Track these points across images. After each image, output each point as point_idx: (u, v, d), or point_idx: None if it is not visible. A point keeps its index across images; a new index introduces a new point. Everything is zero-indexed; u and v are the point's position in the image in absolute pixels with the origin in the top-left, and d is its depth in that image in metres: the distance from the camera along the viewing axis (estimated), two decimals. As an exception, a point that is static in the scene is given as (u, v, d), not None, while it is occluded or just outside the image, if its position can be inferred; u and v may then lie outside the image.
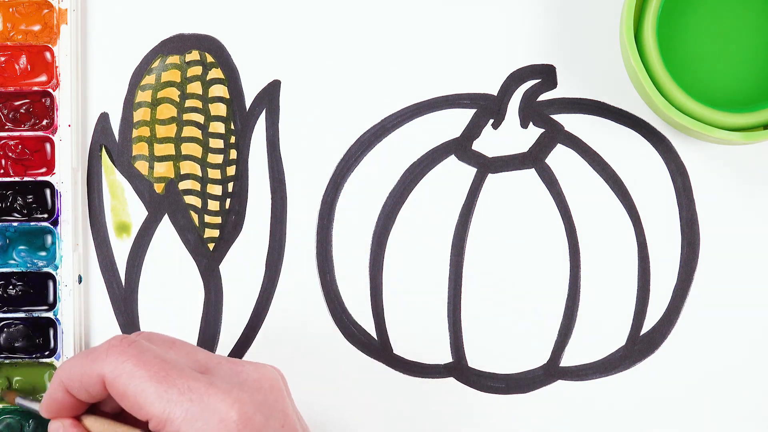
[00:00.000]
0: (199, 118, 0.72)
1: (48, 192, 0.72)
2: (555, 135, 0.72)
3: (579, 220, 0.72)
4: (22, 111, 0.72)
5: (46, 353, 0.71)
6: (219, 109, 0.72)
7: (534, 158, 0.72)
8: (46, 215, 0.72)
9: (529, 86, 0.72)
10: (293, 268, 0.72)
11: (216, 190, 0.72)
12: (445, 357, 0.72)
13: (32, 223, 0.71)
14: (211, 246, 0.72)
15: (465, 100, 0.73)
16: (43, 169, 0.72)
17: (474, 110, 0.73)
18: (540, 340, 0.72)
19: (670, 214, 0.72)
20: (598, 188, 0.72)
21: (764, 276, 0.72)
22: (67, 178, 0.71)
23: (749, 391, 0.72)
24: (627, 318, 0.72)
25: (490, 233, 0.72)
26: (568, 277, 0.72)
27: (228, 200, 0.73)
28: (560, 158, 0.72)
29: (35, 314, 0.71)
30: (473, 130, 0.73)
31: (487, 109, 0.73)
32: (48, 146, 0.71)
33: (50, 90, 0.71)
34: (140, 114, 0.73)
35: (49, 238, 0.71)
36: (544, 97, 0.73)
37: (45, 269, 0.71)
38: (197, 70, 0.73)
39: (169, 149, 0.72)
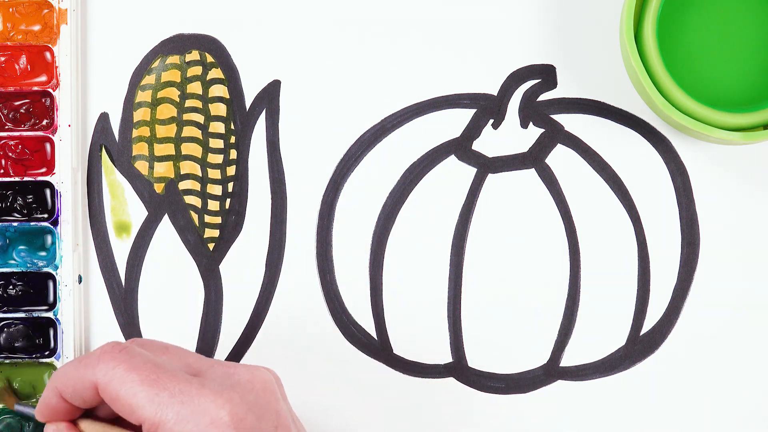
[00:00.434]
0: (199, 118, 0.72)
1: (48, 192, 0.72)
2: (555, 135, 0.72)
3: (579, 220, 0.72)
4: (22, 111, 0.72)
5: (46, 353, 0.71)
6: (219, 109, 0.72)
7: (534, 158, 0.72)
8: (46, 215, 0.71)
9: (529, 86, 0.72)
10: (293, 268, 0.72)
11: (216, 190, 0.72)
12: (445, 357, 0.72)
13: (32, 223, 0.71)
14: (211, 246, 0.72)
15: (465, 100, 0.73)
16: (43, 169, 0.72)
17: (474, 110, 0.73)
18: (540, 340, 0.72)
19: (670, 214, 0.72)
20: (598, 188, 0.72)
21: (764, 276, 0.72)
22: (67, 178, 0.71)
23: (749, 391, 0.72)
24: (627, 318, 0.72)
25: (490, 233, 0.72)
26: (568, 277, 0.72)
27: (228, 200, 0.73)
28: (560, 158, 0.72)
29: (35, 314, 0.71)
30: (473, 130, 0.73)
31: (487, 109, 0.73)
32: (48, 146, 0.71)
33: (50, 90, 0.71)
34: (140, 114, 0.73)
35: (49, 238, 0.71)
36: (544, 97, 0.73)
37: (45, 269, 0.71)
38: (197, 70, 0.73)
39: (169, 149, 0.72)
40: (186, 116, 0.72)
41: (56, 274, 0.71)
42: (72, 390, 0.61)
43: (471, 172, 0.73)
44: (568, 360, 0.72)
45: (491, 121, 0.73)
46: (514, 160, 0.73)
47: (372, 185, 0.72)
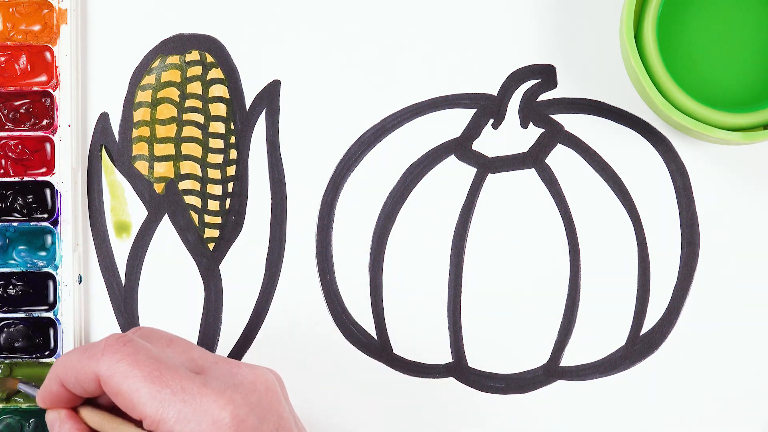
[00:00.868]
0: (199, 118, 0.72)
1: (48, 192, 0.72)
2: (555, 135, 0.72)
3: (579, 220, 0.72)
4: (22, 111, 0.72)
5: (46, 353, 0.71)
6: (219, 109, 0.72)
7: (534, 158, 0.72)
8: (46, 215, 0.71)
9: (529, 86, 0.72)
10: (293, 268, 0.72)
11: (216, 190, 0.72)
12: (445, 357, 0.72)
13: (32, 223, 0.71)
14: (211, 246, 0.72)
15: (465, 100, 0.73)
16: (43, 169, 0.72)
17: (474, 110, 0.73)
18: (540, 340, 0.72)
19: (670, 214, 0.72)
20: (598, 188, 0.72)
21: (764, 276, 0.72)
22: (67, 178, 0.71)
23: (749, 391, 0.72)
24: (627, 318, 0.72)
25: (490, 233, 0.72)
26: (568, 277, 0.72)
27: (228, 200, 0.73)
28: (560, 158, 0.72)
29: (35, 314, 0.71)
30: (473, 130, 0.73)
31: (487, 109, 0.73)
32: (48, 146, 0.71)
33: (50, 90, 0.71)
34: (140, 114, 0.73)
35: (49, 238, 0.71)
36: (544, 97, 0.73)
37: (45, 269, 0.71)
38: (197, 70, 0.73)
39: (169, 149, 0.72)
40: (186, 116, 0.72)
41: (56, 274, 0.71)
42: (74, 380, 0.61)
43: (471, 172, 0.72)
44: (568, 360, 0.72)
45: (491, 121, 0.73)
46: (514, 160, 0.73)
47: (372, 185, 0.72)
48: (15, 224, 0.71)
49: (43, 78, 0.72)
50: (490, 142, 0.73)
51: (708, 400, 0.72)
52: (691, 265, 0.72)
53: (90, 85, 0.73)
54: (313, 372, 0.72)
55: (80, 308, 0.71)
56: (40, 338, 0.71)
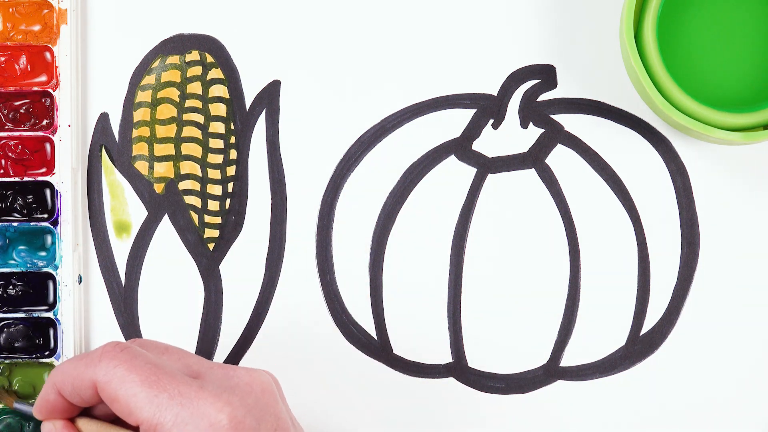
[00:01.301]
0: (199, 118, 0.72)
1: (48, 192, 0.72)
2: (555, 135, 0.73)
3: (579, 220, 0.72)
4: (22, 111, 0.72)
5: (46, 353, 0.71)
6: (219, 109, 0.72)
7: (534, 158, 0.72)
8: (46, 215, 0.71)
9: (529, 86, 0.72)
10: (293, 268, 0.72)
11: (216, 190, 0.72)
12: (445, 357, 0.72)
13: (32, 223, 0.71)
14: (211, 246, 0.72)
15: (465, 100, 0.73)
16: (43, 169, 0.72)
17: (474, 110, 0.73)
18: (540, 340, 0.72)
19: (670, 214, 0.72)
20: (598, 188, 0.72)
21: (764, 276, 0.72)
22: (67, 178, 0.71)
23: (749, 391, 0.72)
24: (627, 318, 0.72)
25: (490, 233, 0.72)
26: (568, 277, 0.72)
27: (228, 200, 0.73)
28: (560, 158, 0.72)
29: (35, 314, 0.71)
30: (473, 130, 0.73)
31: (487, 109, 0.73)
32: (48, 146, 0.71)
33: (50, 90, 0.71)
34: (140, 114, 0.73)
35: (49, 238, 0.71)
36: (544, 97, 0.73)
37: (45, 269, 0.71)
38: (197, 70, 0.73)
39: (169, 149, 0.72)
40: (186, 116, 0.72)
41: (56, 274, 0.71)
42: (71, 388, 0.61)
43: (471, 172, 0.72)
44: (568, 360, 0.72)
45: (491, 121, 0.73)
46: (514, 160, 0.73)
47: (372, 185, 0.72)
48: (15, 224, 0.71)
49: (43, 78, 0.72)
50: (490, 142, 0.73)
51: (708, 400, 0.72)
52: (691, 265, 0.72)
53: (90, 85, 0.73)
54: (313, 372, 0.72)
55: (80, 308, 0.71)
56: (40, 338, 0.71)
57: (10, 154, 0.71)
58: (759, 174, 0.72)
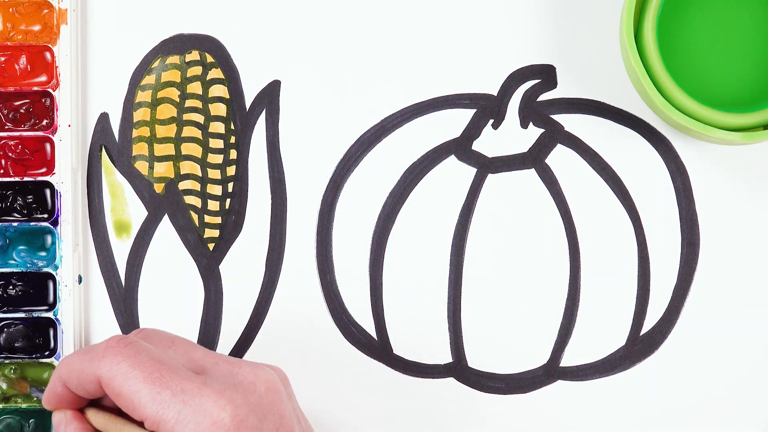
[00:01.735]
0: (199, 118, 0.72)
1: (48, 192, 0.72)
2: (555, 135, 0.72)
3: (579, 220, 0.72)
4: (22, 111, 0.72)
5: (46, 353, 0.71)
6: (219, 109, 0.72)
7: (534, 158, 0.72)
8: (46, 215, 0.71)
9: (529, 86, 0.72)
10: (293, 268, 0.72)
11: (216, 190, 0.72)
12: (445, 357, 0.72)
13: (32, 223, 0.71)
14: (211, 246, 0.72)
15: (465, 100, 0.73)
16: (43, 169, 0.72)
17: (474, 110, 0.73)
18: (540, 340, 0.72)
19: (670, 214, 0.72)
20: (598, 188, 0.72)
21: (764, 276, 0.72)
22: (67, 178, 0.71)
23: (749, 391, 0.72)
24: (627, 318, 0.72)
25: (490, 233, 0.72)
26: (568, 277, 0.72)
27: (228, 200, 0.73)
28: (560, 158, 0.72)
29: (35, 314, 0.71)
30: (473, 130, 0.73)
31: (487, 109, 0.73)
32: (48, 146, 0.71)
33: (50, 90, 0.71)
34: (140, 114, 0.73)
35: (49, 238, 0.71)
36: (544, 97, 0.73)
37: (45, 269, 0.71)
38: (197, 70, 0.73)
39: (169, 149, 0.72)
40: (186, 116, 0.72)
41: (56, 274, 0.71)
42: (76, 382, 0.61)
43: (471, 172, 0.72)
44: (568, 360, 0.72)
45: (491, 121, 0.73)
46: (514, 160, 0.73)
47: (372, 185, 0.72)
48: (15, 224, 0.71)
49: (43, 78, 0.72)
50: (490, 142, 0.73)
51: (708, 400, 0.72)
52: (691, 265, 0.72)
53: (90, 85, 0.73)
54: (312, 372, 0.72)
55: (80, 308, 0.71)
56: (40, 338, 0.71)
57: (10, 154, 0.71)
58: (759, 174, 0.72)
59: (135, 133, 0.73)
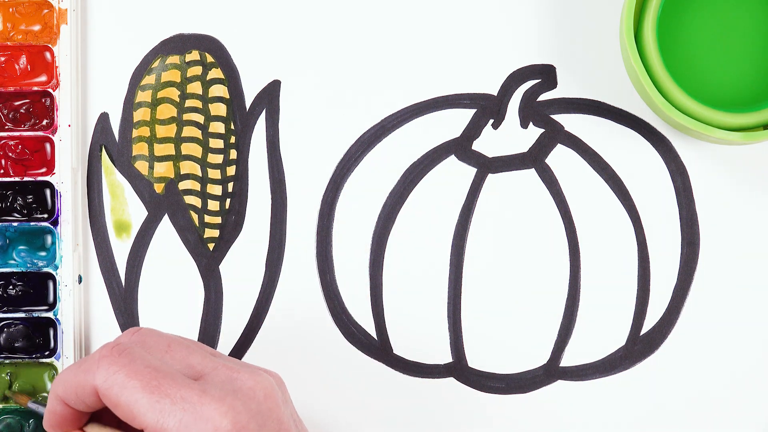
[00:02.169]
0: (199, 118, 0.72)
1: (48, 192, 0.72)
2: (555, 135, 0.73)
3: (579, 220, 0.72)
4: (22, 111, 0.72)
5: (46, 353, 0.71)
6: (219, 109, 0.72)
7: (534, 158, 0.73)
8: (46, 215, 0.72)
9: (529, 86, 0.72)
10: (293, 268, 0.72)
11: (216, 190, 0.72)
12: (445, 357, 0.72)
13: (32, 223, 0.71)
14: (211, 246, 0.72)
15: (465, 100, 0.73)
16: (43, 169, 0.72)
17: (474, 110, 0.73)
18: (540, 340, 0.72)
19: (670, 214, 0.72)
20: (598, 188, 0.72)
21: (764, 276, 0.72)
22: (67, 178, 0.71)
23: (749, 391, 0.72)
24: (627, 318, 0.72)
25: (490, 233, 0.72)
26: (568, 277, 0.72)
27: (228, 200, 0.73)
28: (560, 158, 0.72)
29: (35, 314, 0.71)
30: (473, 130, 0.73)
31: (487, 109, 0.73)
32: (48, 146, 0.71)
33: (50, 90, 0.71)
34: (140, 114, 0.73)
35: (49, 238, 0.71)
36: (544, 97, 0.73)
37: (45, 269, 0.71)
38: (197, 70, 0.73)
39: (169, 149, 0.72)
40: (186, 116, 0.72)
41: (56, 274, 0.71)
42: (74, 396, 0.61)
43: (471, 172, 0.73)
44: (568, 360, 0.72)
45: (491, 121, 0.73)
46: (514, 160, 0.73)
47: (372, 185, 0.72)
48: (15, 224, 0.71)
49: (43, 78, 0.72)
50: (490, 142, 0.73)
51: (708, 400, 0.72)
52: (691, 265, 0.72)
53: (90, 85, 0.73)
54: (312, 372, 0.72)
55: (80, 308, 0.71)
56: (40, 338, 0.71)
57: (10, 154, 0.71)
58: (759, 174, 0.72)
59: (135, 133, 0.73)
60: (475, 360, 0.72)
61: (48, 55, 0.72)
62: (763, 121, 0.68)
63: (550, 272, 0.72)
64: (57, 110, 0.71)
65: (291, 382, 0.72)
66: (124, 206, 0.72)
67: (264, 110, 0.73)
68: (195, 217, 0.72)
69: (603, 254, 0.72)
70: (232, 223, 0.72)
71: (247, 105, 0.73)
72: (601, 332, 0.72)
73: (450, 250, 0.72)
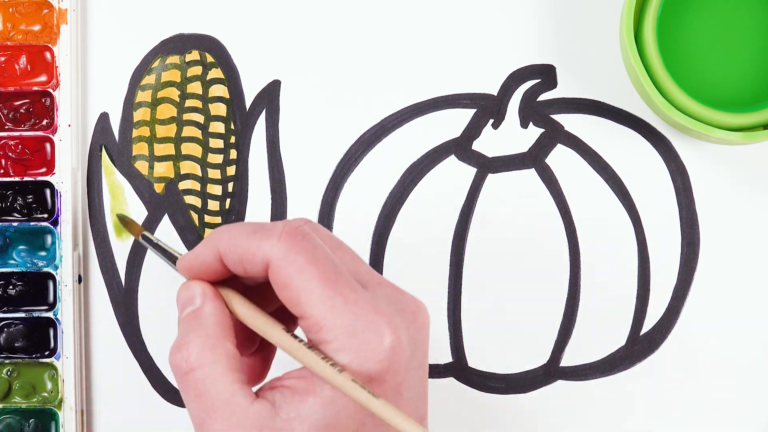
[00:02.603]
0: (199, 118, 0.72)
1: (48, 192, 0.72)
2: (555, 135, 0.72)
3: (579, 220, 0.72)
4: (22, 111, 0.72)
5: (46, 353, 0.71)
6: (219, 109, 0.72)
7: (534, 158, 0.72)
8: (46, 215, 0.71)
9: (529, 86, 0.72)
10: (293, 268, 0.72)
11: (216, 190, 0.72)
12: (445, 357, 0.72)
13: (32, 223, 0.71)
14: (211, 246, 0.72)
15: (465, 100, 0.73)
16: (43, 169, 0.72)
17: (474, 110, 0.73)
18: (540, 340, 0.72)
19: (670, 214, 0.72)
20: (598, 188, 0.72)
21: (764, 276, 0.72)
22: (67, 178, 0.71)
23: (749, 391, 0.72)
24: (627, 318, 0.72)
25: (490, 233, 0.72)
26: (568, 277, 0.72)
27: (228, 200, 0.73)
28: (560, 158, 0.72)
29: (35, 314, 0.71)
30: (473, 130, 0.73)
31: (487, 109, 0.73)
32: (48, 146, 0.71)
33: (50, 90, 0.71)
34: (140, 114, 0.73)
35: (49, 238, 0.71)
36: (544, 97, 0.73)
37: (45, 269, 0.71)
38: (197, 70, 0.73)
39: (169, 149, 0.72)
40: (186, 116, 0.72)
41: (56, 274, 0.71)
42: (237, 257, 0.57)
43: (471, 172, 0.72)
44: (568, 360, 0.72)
45: (491, 121, 0.73)
46: (514, 160, 0.73)
47: (372, 185, 0.72)
48: (15, 224, 0.71)
49: (43, 78, 0.72)
50: (490, 142, 0.73)
51: (708, 399, 0.72)
52: (691, 265, 0.72)
53: (90, 85, 0.73)
54: (313, 372, 0.72)
55: (80, 308, 0.71)
56: (40, 338, 0.71)
57: (10, 154, 0.71)
58: (759, 174, 0.72)
59: (135, 133, 0.73)
60: (475, 360, 0.72)
61: (48, 55, 0.72)
62: (763, 121, 0.68)
63: (550, 272, 0.72)
64: (57, 110, 0.71)
65: (291, 382, 0.71)
66: (124, 206, 0.72)
67: (264, 110, 0.73)
68: (195, 217, 0.72)
69: (603, 254, 0.72)
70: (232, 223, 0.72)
71: (247, 105, 0.73)
72: (601, 332, 0.72)
73: (450, 250, 0.72)
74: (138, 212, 0.72)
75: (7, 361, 0.71)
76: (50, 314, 0.71)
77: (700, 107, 0.68)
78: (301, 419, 0.55)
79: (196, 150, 0.72)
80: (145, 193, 0.72)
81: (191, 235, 0.72)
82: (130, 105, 0.73)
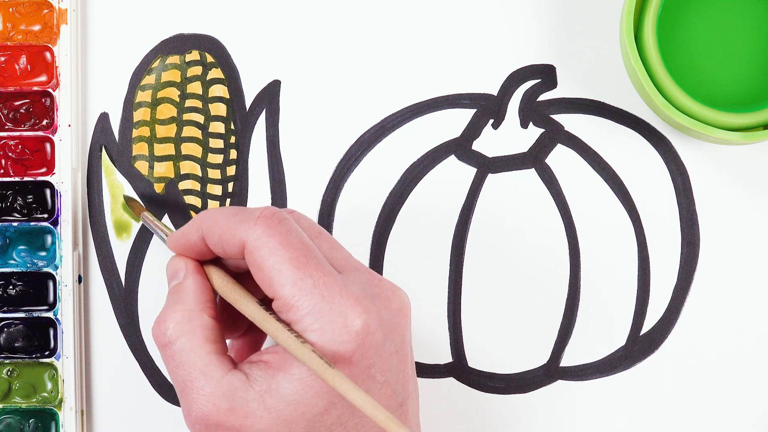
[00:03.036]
0: (199, 118, 0.72)
1: (48, 192, 0.72)
2: (555, 135, 0.73)
3: (579, 220, 0.72)
4: (22, 111, 0.72)
5: (46, 353, 0.71)
6: (219, 109, 0.72)
7: (534, 158, 0.73)
8: (46, 215, 0.72)
9: (529, 86, 0.72)
10: (293, 268, 0.72)
11: (216, 190, 0.72)
12: (445, 357, 0.72)
13: (32, 223, 0.71)
14: (211, 246, 0.72)
15: (465, 100, 0.73)
16: (43, 169, 0.72)
17: (474, 110, 0.73)
18: (540, 340, 0.72)
19: (670, 214, 0.72)
20: (598, 188, 0.72)
21: (764, 276, 0.72)
22: (67, 178, 0.71)
23: (749, 390, 0.72)
24: (627, 318, 0.72)
25: (490, 233, 0.72)
26: (568, 277, 0.72)
27: (228, 200, 0.73)
28: (560, 158, 0.72)
29: (35, 314, 0.71)
30: (473, 130, 0.73)
31: (487, 109, 0.73)
32: (48, 146, 0.71)
33: (50, 90, 0.71)
34: (140, 114, 0.73)
35: (49, 238, 0.71)
36: (544, 97, 0.73)
37: (45, 269, 0.71)
38: (197, 70, 0.73)
39: (169, 149, 0.72)
40: (186, 116, 0.72)
41: (56, 274, 0.71)
42: (217, 238, 0.60)
43: (471, 172, 0.73)
44: (568, 360, 0.72)
45: (491, 121, 0.73)
46: (514, 160, 0.73)
47: (372, 185, 0.72)
48: (15, 224, 0.71)
49: (43, 78, 0.72)
50: (490, 142, 0.73)
51: (708, 400, 0.72)
52: (691, 265, 0.72)
53: (90, 85, 0.73)
54: (313, 372, 0.72)
55: (80, 308, 0.71)
56: (40, 338, 0.71)
57: (10, 154, 0.72)
58: (759, 174, 0.72)
59: (135, 133, 0.73)
60: (475, 360, 0.72)
61: (48, 55, 0.72)
62: (763, 121, 0.68)
63: (550, 272, 0.72)
64: (57, 110, 0.71)
65: (291, 382, 0.72)
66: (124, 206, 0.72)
67: (264, 110, 0.73)
68: (195, 217, 0.72)
69: (603, 254, 0.72)
70: (232, 223, 0.72)
71: (247, 105, 0.73)
72: (601, 332, 0.72)
73: (450, 250, 0.72)
74: (138, 212, 0.73)
75: (7, 361, 0.71)
76: (50, 314, 0.71)
77: (700, 107, 0.68)
78: (271, 392, 0.58)
79: (196, 150, 0.72)
80: (145, 193, 0.72)
81: (191, 235, 0.72)
82: (130, 105, 0.73)
